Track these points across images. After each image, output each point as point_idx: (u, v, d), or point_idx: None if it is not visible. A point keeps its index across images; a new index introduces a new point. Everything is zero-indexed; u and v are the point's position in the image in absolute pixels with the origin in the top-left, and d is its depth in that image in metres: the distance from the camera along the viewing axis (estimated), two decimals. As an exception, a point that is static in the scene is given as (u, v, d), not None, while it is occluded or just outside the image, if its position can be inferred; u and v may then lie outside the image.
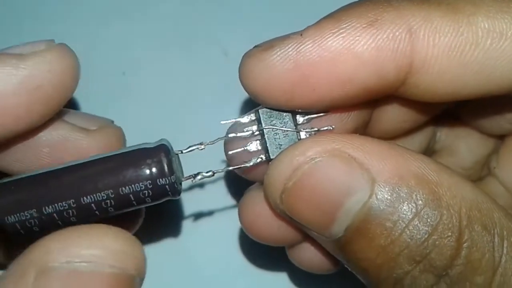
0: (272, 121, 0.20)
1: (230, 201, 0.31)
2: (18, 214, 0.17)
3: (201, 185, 0.30)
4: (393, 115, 0.22)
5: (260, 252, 0.29)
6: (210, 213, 0.30)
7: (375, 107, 0.22)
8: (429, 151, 0.26)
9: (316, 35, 0.18)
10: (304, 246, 0.23)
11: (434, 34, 0.17)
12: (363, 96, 0.18)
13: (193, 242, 0.30)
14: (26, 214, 0.17)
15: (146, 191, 0.18)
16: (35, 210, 0.17)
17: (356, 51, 0.17)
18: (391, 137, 0.24)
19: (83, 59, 0.34)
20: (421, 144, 0.25)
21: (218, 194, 0.31)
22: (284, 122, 0.20)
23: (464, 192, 0.17)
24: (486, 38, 0.17)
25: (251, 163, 0.20)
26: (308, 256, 0.23)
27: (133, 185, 0.18)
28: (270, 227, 0.21)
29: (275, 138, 0.20)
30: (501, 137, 0.25)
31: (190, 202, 0.30)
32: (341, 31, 0.17)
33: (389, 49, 0.17)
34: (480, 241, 0.17)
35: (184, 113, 0.32)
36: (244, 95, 0.29)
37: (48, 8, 0.35)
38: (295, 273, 0.29)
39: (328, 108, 0.19)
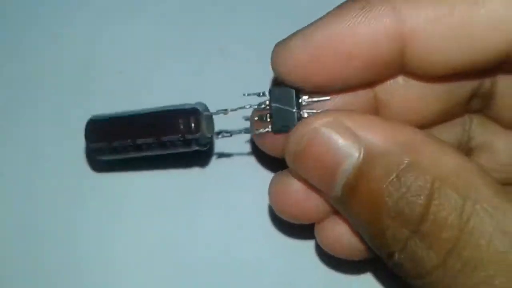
0: (281, 99, 0.24)
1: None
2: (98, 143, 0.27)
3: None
4: (409, 98, 0.24)
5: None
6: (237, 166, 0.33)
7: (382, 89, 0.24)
8: (465, 148, 0.27)
9: (321, 21, 0.21)
10: (330, 224, 0.25)
11: (416, 8, 0.20)
12: (370, 71, 0.22)
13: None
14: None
15: (179, 142, 0.25)
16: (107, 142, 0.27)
17: (353, 30, 0.20)
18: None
19: (80, 58, 0.34)
20: (456, 138, 0.27)
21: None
22: (291, 102, 0.23)
23: (445, 160, 0.19)
24: (461, 8, 0.19)
25: (257, 132, 0.25)
26: (335, 235, 0.25)
27: (170, 136, 0.25)
28: (297, 204, 0.24)
29: (281, 114, 0.24)
30: None
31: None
32: (341, 15, 0.21)
33: (379, 26, 0.20)
34: (448, 202, 0.18)
35: None
36: (239, 90, 0.29)
37: (46, 8, 0.35)
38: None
39: (344, 87, 0.23)
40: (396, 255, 0.20)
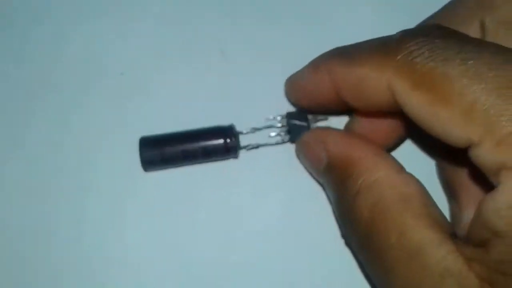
0: (295, 117, 0.33)
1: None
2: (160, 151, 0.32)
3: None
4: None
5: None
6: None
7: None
8: None
9: (295, 74, 0.31)
10: None
11: (337, 72, 0.27)
12: (329, 108, 0.30)
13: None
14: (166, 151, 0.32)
15: (218, 150, 0.32)
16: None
17: (307, 85, 0.29)
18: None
19: (81, 59, 0.35)
20: None
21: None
22: (301, 119, 0.33)
23: (370, 173, 0.25)
24: (356, 77, 0.25)
25: (277, 143, 0.34)
26: None
27: (214, 143, 0.32)
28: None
29: (295, 127, 0.33)
30: None
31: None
32: (302, 74, 0.30)
33: (323, 81, 0.27)
34: (365, 201, 0.24)
35: (183, 111, 0.34)
36: (240, 93, 0.35)
37: (46, 8, 0.36)
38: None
39: (326, 110, 0.32)
40: (344, 233, 0.28)
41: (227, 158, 0.33)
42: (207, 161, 0.33)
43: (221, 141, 0.32)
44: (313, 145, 0.30)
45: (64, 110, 0.34)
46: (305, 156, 0.32)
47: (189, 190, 0.34)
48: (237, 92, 0.35)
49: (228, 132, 0.32)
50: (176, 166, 0.33)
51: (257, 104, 0.34)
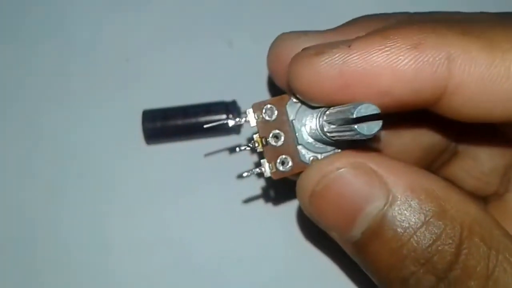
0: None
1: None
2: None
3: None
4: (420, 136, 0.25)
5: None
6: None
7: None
8: (452, 150, 0.26)
9: (363, 48, 0.19)
10: None
11: (470, 63, 0.18)
12: (398, 107, 0.20)
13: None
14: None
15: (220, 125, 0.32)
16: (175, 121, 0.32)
17: (398, 69, 0.19)
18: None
19: (87, 45, 0.35)
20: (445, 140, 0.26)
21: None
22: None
23: (468, 209, 0.19)
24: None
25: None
26: None
27: (212, 120, 0.32)
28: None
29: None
30: None
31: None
32: (387, 49, 0.19)
33: (428, 71, 0.19)
34: (477, 251, 0.18)
35: (187, 101, 0.34)
36: (246, 85, 0.34)
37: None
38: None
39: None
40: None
41: (229, 134, 0.34)
42: (209, 136, 0.34)
43: (223, 116, 0.32)
44: (357, 178, 0.20)
45: (73, 95, 0.35)
46: (337, 197, 0.20)
47: (191, 164, 0.34)
48: (242, 83, 0.35)
49: (230, 107, 0.33)
50: (178, 140, 0.34)
51: (261, 92, 0.34)
